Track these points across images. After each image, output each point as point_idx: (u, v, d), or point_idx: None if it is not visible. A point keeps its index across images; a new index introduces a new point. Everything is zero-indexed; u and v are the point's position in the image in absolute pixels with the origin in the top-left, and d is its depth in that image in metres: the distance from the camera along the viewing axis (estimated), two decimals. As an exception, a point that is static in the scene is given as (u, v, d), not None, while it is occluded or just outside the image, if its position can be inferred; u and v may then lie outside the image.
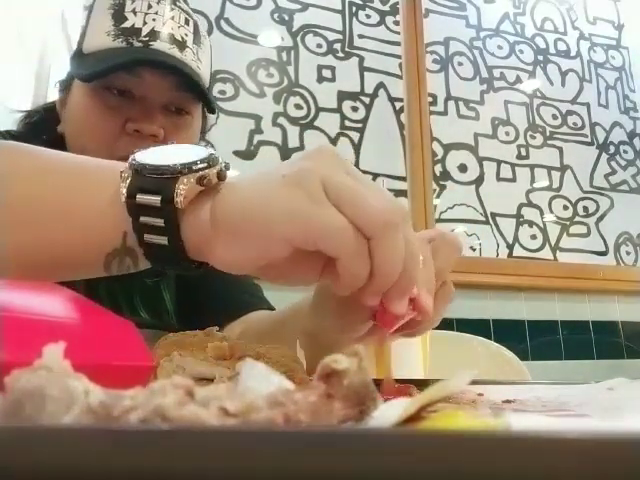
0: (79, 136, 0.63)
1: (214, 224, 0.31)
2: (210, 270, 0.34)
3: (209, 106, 0.67)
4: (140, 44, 0.60)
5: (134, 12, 0.61)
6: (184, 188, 0.30)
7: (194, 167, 0.31)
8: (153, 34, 0.61)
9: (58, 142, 0.64)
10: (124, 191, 0.31)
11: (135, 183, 0.31)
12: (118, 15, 0.61)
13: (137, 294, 0.67)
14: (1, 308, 0.19)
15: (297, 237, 0.29)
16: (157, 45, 0.61)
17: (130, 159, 0.32)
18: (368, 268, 0.30)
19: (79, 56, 0.63)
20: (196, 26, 0.66)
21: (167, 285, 0.71)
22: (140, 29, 0.61)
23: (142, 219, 0.31)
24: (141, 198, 0.31)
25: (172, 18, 0.63)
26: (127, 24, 0.61)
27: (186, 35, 0.64)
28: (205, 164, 0.31)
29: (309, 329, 0.44)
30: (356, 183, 0.30)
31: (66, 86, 0.66)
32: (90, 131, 0.61)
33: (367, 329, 0.40)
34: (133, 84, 0.61)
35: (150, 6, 0.62)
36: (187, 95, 0.64)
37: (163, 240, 0.31)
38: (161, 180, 0.31)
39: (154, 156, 0.32)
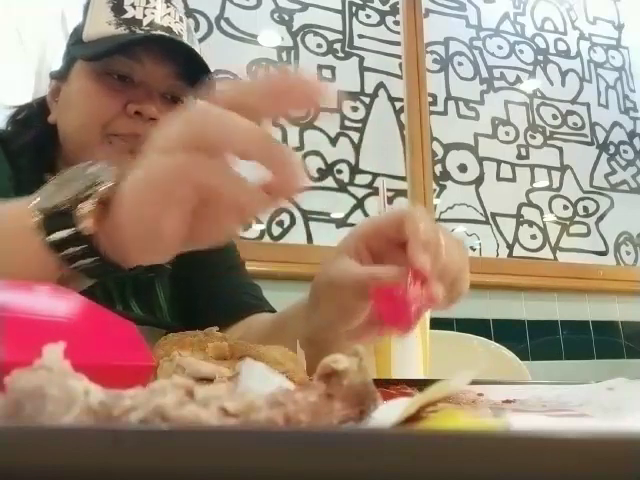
0: (76, 117, 0.63)
1: (117, 242, 0.33)
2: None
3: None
4: (142, 32, 0.62)
5: (133, 6, 0.64)
6: (82, 214, 0.33)
7: (80, 197, 0.33)
8: (153, 25, 0.63)
9: (48, 133, 0.65)
10: (41, 236, 0.33)
11: (46, 226, 0.33)
12: (117, 8, 0.63)
13: (130, 289, 0.67)
14: (1, 308, 0.19)
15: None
16: (158, 34, 0.63)
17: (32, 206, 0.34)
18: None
19: (79, 44, 0.64)
20: (189, 26, 0.69)
21: (161, 282, 0.71)
22: (141, 20, 0.63)
23: (69, 250, 0.33)
24: (55, 236, 0.33)
25: (168, 14, 0.66)
26: (127, 15, 0.63)
27: (182, 30, 0.66)
28: (89, 190, 0.33)
29: (307, 331, 0.44)
30: None
31: (62, 74, 0.66)
32: (89, 110, 0.62)
33: (365, 327, 0.40)
34: (134, 69, 0.63)
35: (148, 1, 0.64)
36: (185, 84, 0.65)
37: (96, 262, 0.34)
38: (64, 216, 0.33)
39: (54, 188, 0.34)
